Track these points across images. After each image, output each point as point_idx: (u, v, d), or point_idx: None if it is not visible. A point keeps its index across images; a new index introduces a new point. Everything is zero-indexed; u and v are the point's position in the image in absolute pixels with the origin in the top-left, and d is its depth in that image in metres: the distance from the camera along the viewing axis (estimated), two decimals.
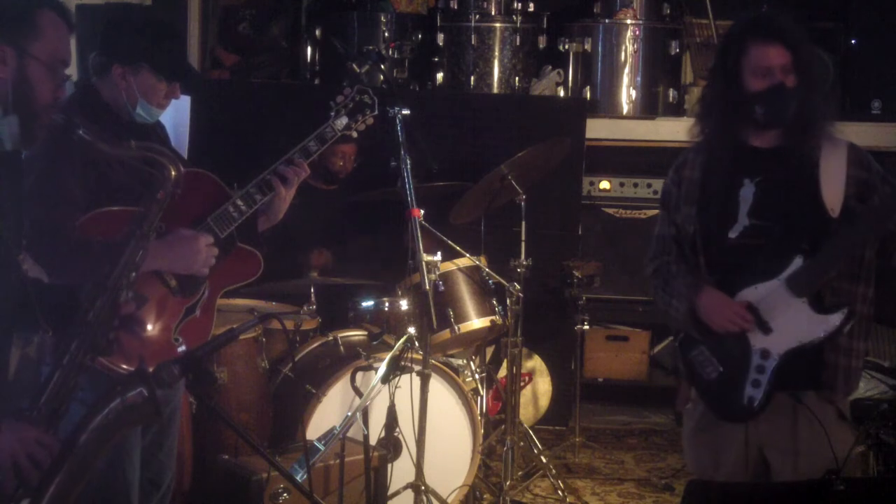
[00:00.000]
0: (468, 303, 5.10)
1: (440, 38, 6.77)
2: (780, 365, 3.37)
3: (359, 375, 4.32)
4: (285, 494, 4.13)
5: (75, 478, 2.70)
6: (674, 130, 6.75)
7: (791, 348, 3.36)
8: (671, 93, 6.83)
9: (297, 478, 3.95)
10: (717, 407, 3.50)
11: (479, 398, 5.30)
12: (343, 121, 3.84)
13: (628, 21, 6.74)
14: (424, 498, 4.59)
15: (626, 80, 6.77)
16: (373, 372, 4.36)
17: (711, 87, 3.54)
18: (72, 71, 4.81)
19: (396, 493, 4.60)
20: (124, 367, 3.36)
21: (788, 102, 3.36)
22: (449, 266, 5.06)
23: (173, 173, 3.00)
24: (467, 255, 5.15)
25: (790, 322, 3.36)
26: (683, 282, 3.48)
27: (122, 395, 2.75)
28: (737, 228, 3.43)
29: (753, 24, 3.46)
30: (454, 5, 6.78)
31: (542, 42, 6.86)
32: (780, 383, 3.39)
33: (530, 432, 5.57)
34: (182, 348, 3.52)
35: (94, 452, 2.73)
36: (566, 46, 6.85)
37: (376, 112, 3.90)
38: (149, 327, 3.48)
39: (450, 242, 5.08)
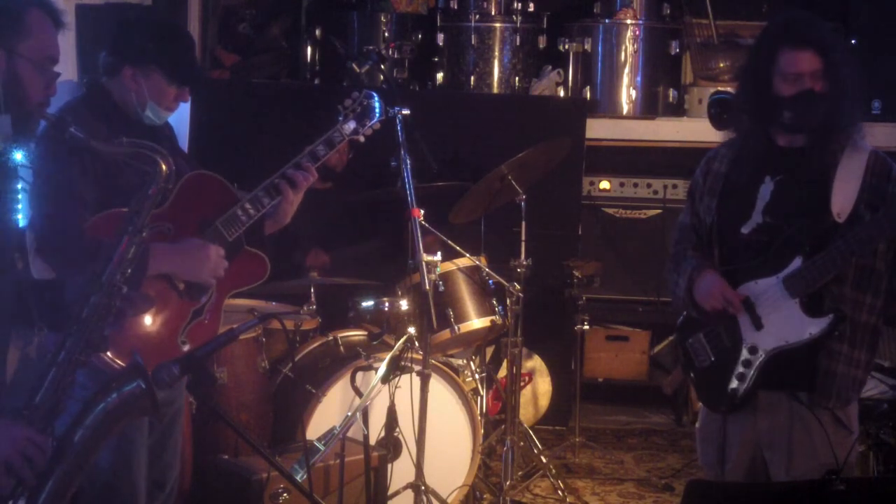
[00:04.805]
0: (468, 303, 5.10)
1: (440, 38, 6.77)
2: (765, 362, 3.41)
3: (359, 375, 4.32)
4: (285, 494, 4.13)
5: (72, 475, 2.69)
6: (674, 130, 6.77)
7: (778, 347, 3.40)
8: (671, 93, 6.83)
9: (297, 478, 3.96)
10: (704, 395, 3.61)
11: (479, 398, 5.30)
12: (351, 125, 3.85)
13: (628, 21, 6.73)
14: (424, 498, 4.59)
15: (626, 80, 6.76)
16: (373, 372, 4.36)
17: (742, 88, 3.56)
18: (72, 70, 4.82)
19: (396, 493, 4.60)
20: None
21: (817, 108, 3.36)
22: (449, 266, 5.05)
23: (164, 169, 2.97)
24: (467, 255, 5.15)
25: (780, 321, 3.39)
26: (692, 263, 3.54)
27: (118, 389, 2.74)
28: (750, 224, 3.47)
29: (786, 29, 3.46)
30: (454, 5, 6.78)
31: (542, 42, 6.86)
32: (766, 380, 3.42)
33: (530, 432, 5.57)
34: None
35: (91, 448, 2.73)
36: (566, 46, 6.85)
37: (383, 116, 3.90)
38: (156, 329, 3.48)
39: (450, 242, 5.08)
